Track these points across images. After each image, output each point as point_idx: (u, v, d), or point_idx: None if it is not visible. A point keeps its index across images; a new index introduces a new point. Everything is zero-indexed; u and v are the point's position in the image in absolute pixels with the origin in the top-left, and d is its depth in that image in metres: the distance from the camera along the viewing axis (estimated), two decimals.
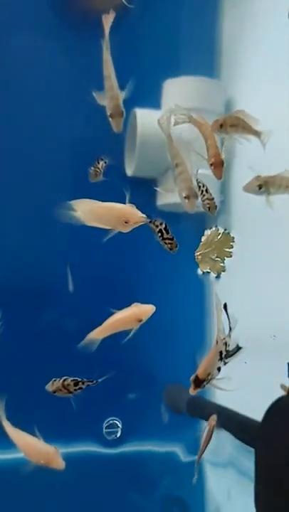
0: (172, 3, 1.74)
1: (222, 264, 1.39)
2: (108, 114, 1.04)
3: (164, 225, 1.04)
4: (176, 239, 1.06)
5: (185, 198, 1.05)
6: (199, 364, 0.92)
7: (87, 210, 0.98)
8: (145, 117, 1.64)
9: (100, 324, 1.04)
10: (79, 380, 0.99)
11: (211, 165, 1.04)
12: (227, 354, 0.95)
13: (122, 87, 1.05)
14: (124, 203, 0.98)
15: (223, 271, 1.40)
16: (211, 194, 1.09)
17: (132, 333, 1.03)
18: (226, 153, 1.08)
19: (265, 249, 1.48)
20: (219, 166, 1.04)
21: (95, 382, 1.00)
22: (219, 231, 1.40)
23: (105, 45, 1.05)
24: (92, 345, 1.02)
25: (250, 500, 1.21)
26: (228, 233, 1.40)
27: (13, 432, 1.08)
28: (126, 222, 0.96)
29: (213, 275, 1.41)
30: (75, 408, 1.02)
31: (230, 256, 1.39)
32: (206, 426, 1.16)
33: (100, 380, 1.01)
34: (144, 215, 0.97)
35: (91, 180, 1.25)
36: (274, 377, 1.29)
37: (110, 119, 1.04)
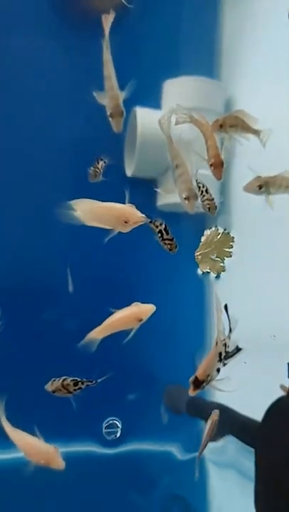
0: (172, 3, 1.74)
1: (222, 264, 1.39)
2: (108, 113, 1.04)
3: (163, 226, 1.04)
4: (176, 239, 1.06)
5: (185, 199, 1.05)
6: (198, 365, 0.92)
7: (87, 210, 0.98)
8: (145, 117, 1.64)
9: (100, 324, 1.04)
10: (78, 380, 0.99)
11: (211, 165, 1.05)
12: (226, 355, 0.95)
13: (122, 87, 1.05)
14: (124, 203, 0.98)
15: (223, 271, 1.40)
16: (210, 195, 1.10)
17: (132, 333, 1.03)
18: (226, 154, 1.08)
19: (265, 249, 1.48)
20: (219, 166, 1.04)
21: (94, 382, 1.00)
22: (219, 231, 1.40)
23: (105, 45, 1.05)
24: (92, 344, 1.02)
25: (252, 500, 1.21)
26: (228, 233, 1.40)
27: (13, 432, 1.08)
28: (126, 222, 0.97)
29: (213, 275, 1.41)
30: (75, 408, 1.02)
31: (230, 256, 1.39)
32: (207, 421, 1.16)
33: (99, 381, 1.01)
34: (143, 215, 0.97)
35: (90, 180, 1.25)
36: (274, 378, 1.29)
37: (110, 118, 1.05)
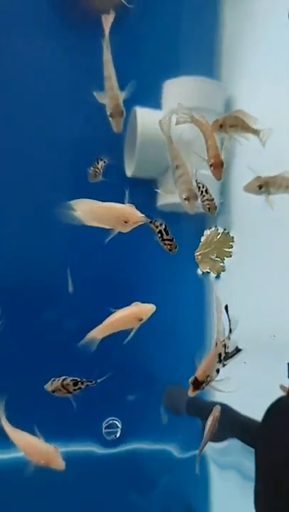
0: (172, 3, 1.74)
1: (222, 264, 1.39)
2: (108, 113, 1.04)
3: (163, 226, 1.04)
4: (176, 239, 1.06)
5: (185, 199, 1.05)
6: (198, 366, 0.92)
7: (86, 210, 0.98)
8: (145, 117, 1.64)
9: (100, 324, 1.04)
10: (78, 380, 0.99)
11: (211, 166, 1.05)
12: (226, 356, 0.95)
13: (122, 87, 1.06)
14: (128, 203, 0.99)
15: (223, 271, 1.40)
16: (210, 195, 1.10)
17: (132, 333, 1.03)
18: (226, 154, 1.08)
19: (265, 249, 1.48)
20: (219, 166, 1.04)
21: (93, 382, 1.00)
22: (219, 231, 1.40)
23: (105, 45, 1.05)
24: (92, 344, 1.02)
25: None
26: (228, 233, 1.40)
27: (13, 432, 1.08)
28: (125, 222, 0.97)
29: (213, 275, 1.41)
30: (76, 408, 1.02)
31: (230, 256, 1.39)
32: (209, 416, 1.16)
33: (98, 381, 1.01)
34: (143, 215, 0.98)
35: (90, 180, 1.25)
36: (274, 378, 1.29)
37: (110, 118, 1.05)
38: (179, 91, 1.70)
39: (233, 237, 1.41)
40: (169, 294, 1.62)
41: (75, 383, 0.99)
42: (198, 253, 1.39)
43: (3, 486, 1.49)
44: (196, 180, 1.08)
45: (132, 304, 1.04)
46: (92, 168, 1.26)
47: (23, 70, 1.58)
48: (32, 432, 1.06)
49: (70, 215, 0.97)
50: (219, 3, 1.76)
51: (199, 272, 1.43)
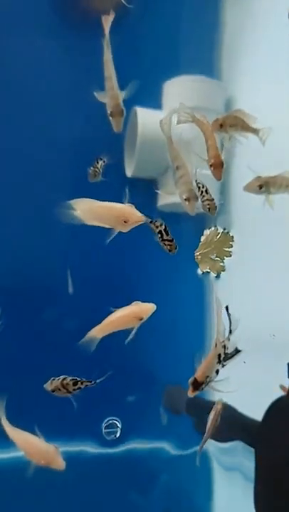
0: (172, 3, 1.74)
1: (222, 264, 1.39)
2: (108, 112, 1.05)
3: (163, 226, 1.04)
4: (176, 239, 1.06)
5: (186, 200, 1.05)
6: (198, 367, 0.92)
7: (86, 210, 0.98)
8: (146, 117, 1.64)
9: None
10: (78, 379, 0.99)
11: (211, 166, 1.05)
12: (225, 357, 0.96)
13: (122, 87, 1.06)
14: (127, 203, 0.99)
15: (223, 270, 1.40)
16: (210, 195, 1.10)
17: (133, 332, 1.03)
18: (226, 154, 1.08)
19: (265, 249, 1.48)
20: (219, 167, 1.04)
21: (93, 382, 1.00)
22: (218, 231, 1.40)
23: (106, 45, 1.05)
24: (92, 343, 1.02)
25: None
26: (228, 233, 1.40)
27: (13, 432, 1.08)
28: (125, 222, 0.97)
29: (213, 275, 1.41)
30: (76, 407, 1.02)
31: (230, 255, 1.39)
32: (211, 410, 1.16)
33: (98, 381, 1.01)
34: (143, 215, 0.98)
35: (90, 180, 1.25)
36: (274, 378, 1.29)
37: (110, 118, 1.05)
38: (179, 91, 1.70)
39: (232, 237, 1.41)
40: (169, 294, 1.62)
41: (75, 383, 0.99)
42: (198, 253, 1.39)
43: (3, 486, 1.49)
44: (196, 181, 1.08)
45: (132, 303, 1.04)
46: (91, 168, 1.26)
47: (23, 70, 1.58)
48: (32, 432, 1.07)
49: (70, 214, 0.98)
50: (219, 3, 1.76)
51: (199, 271, 1.43)
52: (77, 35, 1.61)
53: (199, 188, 1.09)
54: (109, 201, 0.99)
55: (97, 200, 0.99)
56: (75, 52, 1.60)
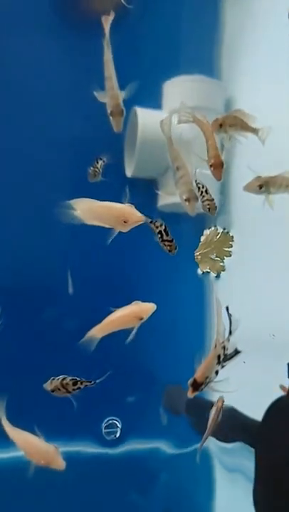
0: (172, 3, 1.74)
1: (222, 264, 1.39)
2: (108, 112, 1.05)
3: (163, 227, 1.05)
4: (176, 239, 1.06)
5: (186, 200, 1.05)
6: (197, 367, 0.93)
7: (86, 209, 0.98)
8: (146, 117, 1.64)
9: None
10: (78, 379, 0.99)
11: (211, 166, 1.05)
12: (225, 358, 0.96)
13: (122, 87, 1.06)
14: (127, 203, 0.99)
15: (223, 270, 1.40)
16: (210, 195, 1.10)
17: (133, 332, 1.03)
18: (226, 154, 1.08)
19: (265, 249, 1.48)
20: (219, 167, 1.04)
21: (93, 382, 1.00)
22: (218, 231, 1.40)
23: (106, 45, 1.05)
24: (92, 342, 1.02)
25: None
26: (227, 232, 1.40)
27: (13, 432, 1.08)
28: (125, 222, 0.97)
29: (213, 275, 1.41)
30: (76, 407, 1.02)
31: (230, 255, 1.39)
32: (212, 407, 1.16)
33: (98, 381, 1.01)
34: (142, 215, 0.98)
35: (90, 180, 1.26)
36: (274, 378, 1.29)
37: (110, 117, 1.05)
38: (179, 90, 1.70)
39: (232, 237, 1.41)
40: (169, 294, 1.62)
41: (75, 383, 0.99)
42: (198, 253, 1.39)
43: (3, 486, 1.49)
44: (196, 181, 1.08)
45: (133, 303, 1.04)
46: (91, 167, 1.26)
47: (23, 70, 1.58)
48: (32, 432, 1.07)
49: (70, 214, 0.98)
50: (219, 3, 1.76)
51: (199, 271, 1.43)
52: (77, 35, 1.61)
53: (199, 188, 1.09)
54: (109, 201, 0.99)
55: (97, 200, 0.99)
56: (75, 52, 1.60)
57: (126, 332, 1.04)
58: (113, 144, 1.60)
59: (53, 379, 1.00)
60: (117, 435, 1.62)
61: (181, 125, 1.09)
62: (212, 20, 1.76)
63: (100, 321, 1.04)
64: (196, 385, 0.91)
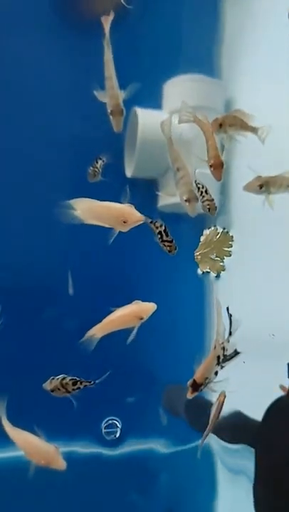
0: (172, 3, 1.74)
1: (221, 264, 1.39)
2: (108, 111, 1.05)
3: (163, 227, 1.05)
4: (176, 239, 1.06)
5: (186, 201, 1.05)
6: (197, 368, 0.93)
7: (86, 209, 0.98)
8: (146, 117, 1.64)
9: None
10: (77, 379, 0.99)
11: (211, 166, 1.05)
12: (224, 358, 0.96)
13: (122, 87, 1.06)
14: (127, 203, 0.99)
15: (223, 270, 1.40)
16: (210, 195, 1.10)
17: (134, 332, 1.03)
18: (226, 154, 1.08)
19: (265, 249, 1.48)
20: (219, 167, 1.04)
21: (92, 383, 1.00)
22: (218, 230, 1.40)
23: (106, 45, 1.06)
24: (92, 342, 1.02)
25: None
26: (227, 232, 1.40)
27: (13, 432, 1.08)
28: (124, 222, 0.97)
29: (213, 275, 1.41)
30: (76, 407, 1.02)
31: (230, 255, 1.39)
32: (215, 402, 1.16)
33: (97, 381, 1.01)
34: (142, 215, 0.98)
35: (90, 180, 1.26)
36: (274, 378, 1.29)
37: (111, 117, 1.05)
38: (179, 90, 1.70)
39: (232, 237, 1.41)
40: (169, 294, 1.62)
41: (74, 383, 0.99)
42: (197, 253, 1.39)
43: (3, 486, 1.49)
44: (196, 181, 1.09)
45: (133, 303, 1.04)
46: (91, 167, 1.26)
47: (23, 70, 1.58)
48: (32, 432, 1.07)
49: (70, 214, 0.98)
50: (219, 3, 1.76)
51: (199, 271, 1.43)
52: (77, 35, 1.61)
53: (199, 188, 1.09)
54: (109, 201, 0.99)
55: (97, 200, 0.99)
56: (75, 52, 1.60)
57: (126, 332, 1.04)
58: (113, 144, 1.60)
59: (53, 379, 1.00)
60: (117, 435, 1.62)
61: (181, 125, 1.09)
62: (212, 20, 1.76)
63: (100, 321, 1.04)
64: (196, 386, 0.92)
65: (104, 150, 1.32)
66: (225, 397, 1.13)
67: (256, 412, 1.35)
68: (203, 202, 1.10)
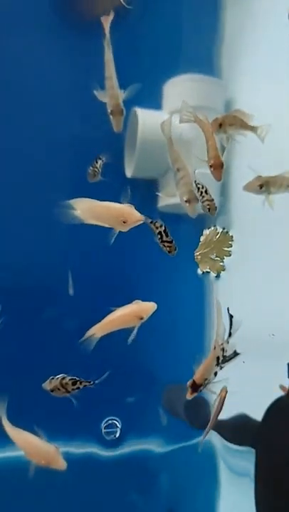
0: (172, 3, 1.74)
1: (221, 264, 1.39)
2: (108, 111, 1.05)
3: (163, 228, 1.05)
4: (176, 239, 1.06)
5: (186, 201, 1.05)
6: (196, 369, 0.93)
7: (86, 209, 0.99)
8: (146, 117, 1.64)
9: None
10: (77, 379, 0.99)
11: (211, 166, 1.05)
12: (224, 359, 0.96)
13: (123, 87, 1.06)
14: (126, 203, 0.99)
15: (223, 270, 1.40)
16: (210, 195, 1.10)
17: (134, 332, 1.03)
18: (226, 154, 1.08)
19: (265, 249, 1.48)
20: (219, 167, 1.05)
21: (92, 383, 1.00)
22: (218, 230, 1.40)
23: (107, 45, 1.06)
24: (92, 341, 1.02)
25: None
26: (227, 232, 1.40)
27: (13, 432, 1.08)
28: (124, 222, 0.97)
29: (213, 274, 1.41)
30: (76, 406, 1.02)
31: (230, 255, 1.39)
32: (216, 397, 1.16)
33: (97, 382, 1.01)
34: (142, 215, 0.98)
35: (90, 180, 1.26)
36: (274, 378, 1.29)
37: (111, 116, 1.06)
38: (179, 90, 1.70)
39: (232, 236, 1.41)
40: (169, 294, 1.62)
41: (74, 383, 0.99)
42: (197, 253, 1.39)
43: (3, 486, 1.49)
44: (195, 181, 1.09)
45: (133, 302, 1.04)
46: (91, 167, 1.26)
47: (23, 69, 1.58)
48: (32, 432, 1.07)
49: (70, 214, 0.98)
50: (219, 3, 1.76)
51: (199, 271, 1.43)
52: (77, 35, 1.61)
53: (199, 188, 1.09)
54: (109, 201, 0.99)
55: (97, 200, 0.99)
56: (75, 52, 1.60)
57: (126, 332, 1.04)
58: (113, 144, 1.60)
59: (52, 378, 1.00)
60: (117, 435, 1.62)
61: (181, 125, 1.09)
62: (212, 20, 1.76)
63: (100, 321, 1.04)
64: (195, 387, 0.92)
65: (104, 150, 1.32)
66: (226, 392, 1.13)
67: (256, 412, 1.35)
68: (203, 202, 1.10)
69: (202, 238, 1.40)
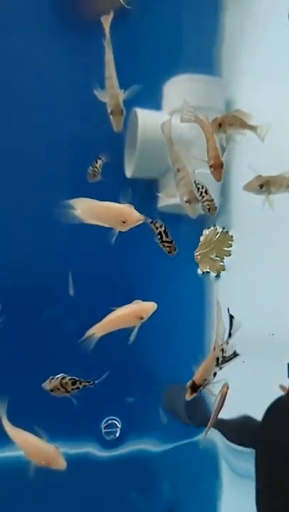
0: (172, 3, 1.74)
1: (221, 264, 1.39)
2: (108, 111, 1.05)
3: (163, 228, 1.05)
4: (176, 239, 1.06)
5: (186, 202, 1.05)
6: (196, 370, 0.93)
7: (86, 209, 0.99)
8: (146, 117, 1.64)
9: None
10: (77, 379, 0.99)
11: (211, 167, 1.05)
12: (223, 360, 0.96)
13: (123, 87, 1.06)
14: (127, 203, 0.99)
15: (223, 270, 1.40)
16: (210, 195, 1.10)
17: (134, 332, 1.03)
18: (226, 154, 1.08)
19: (265, 249, 1.48)
20: (219, 167, 1.05)
21: (92, 383, 1.00)
22: (217, 230, 1.40)
23: (107, 45, 1.06)
24: (92, 341, 1.02)
25: None
26: (227, 232, 1.40)
27: (13, 432, 1.08)
28: (124, 222, 0.97)
29: (213, 274, 1.41)
30: (76, 406, 1.02)
31: (229, 255, 1.39)
32: (218, 393, 1.16)
33: (96, 382, 1.01)
34: (141, 215, 0.98)
35: (90, 180, 1.26)
36: (274, 377, 1.29)
37: (111, 116, 1.06)
38: (179, 90, 1.70)
39: (232, 236, 1.41)
40: (169, 294, 1.62)
41: (74, 383, 0.99)
42: (197, 253, 1.39)
43: (3, 486, 1.49)
44: (195, 181, 1.09)
45: (133, 302, 1.04)
46: (91, 167, 1.27)
47: (23, 69, 1.58)
48: (32, 432, 1.07)
49: (70, 214, 0.98)
50: (219, 3, 1.76)
51: (199, 271, 1.43)
52: (77, 35, 1.61)
53: (199, 188, 1.09)
54: (108, 201, 0.99)
55: (97, 200, 0.99)
56: (75, 52, 1.60)
57: (126, 332, 1.04)
58: (113, 144, 1.60)
59: (52, 378, 1.00)
60: (117, 435, 1.62)
61: (181, 125, 1.09)
62: (212, 21, 1.76)
63: (100, 321, 1.04)
64: (195, 388, 0.93)
65: (104, 150, 1.32)
66: (228, 388, 1.13)
67: (256, 412, 1.35)
68: (203, 202, 1.10)
69: (202, 238, 1.40)
